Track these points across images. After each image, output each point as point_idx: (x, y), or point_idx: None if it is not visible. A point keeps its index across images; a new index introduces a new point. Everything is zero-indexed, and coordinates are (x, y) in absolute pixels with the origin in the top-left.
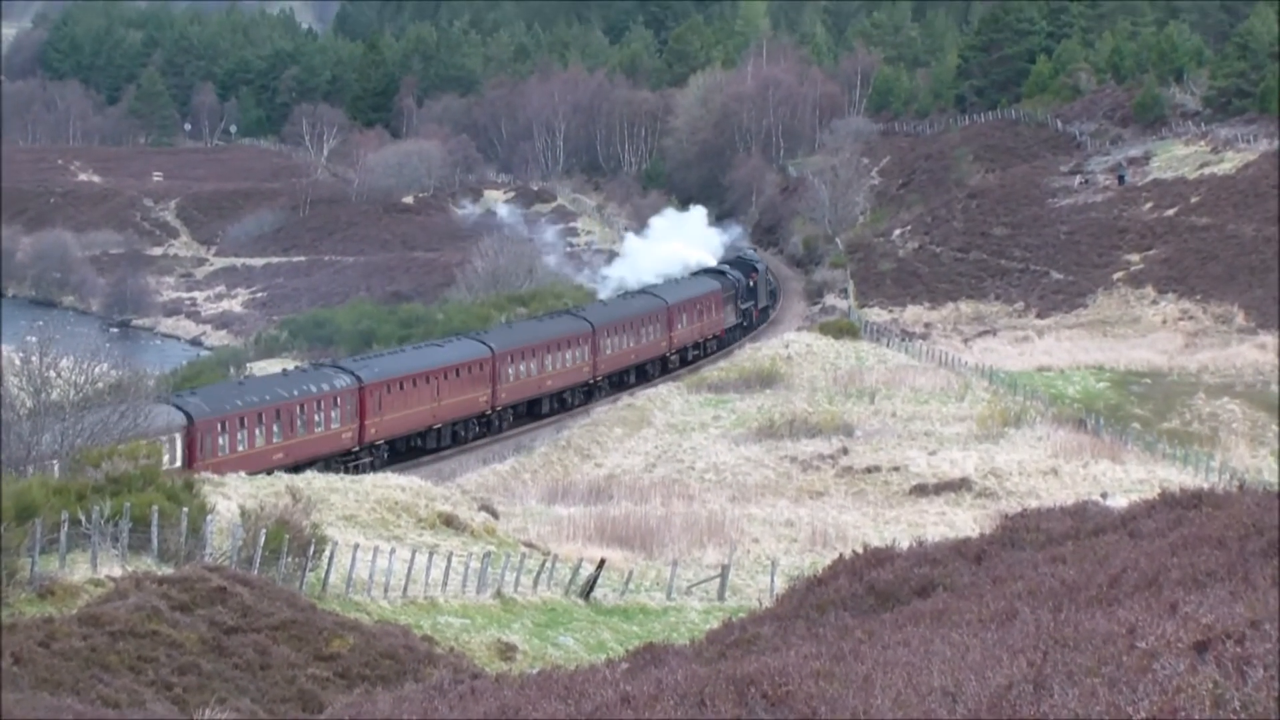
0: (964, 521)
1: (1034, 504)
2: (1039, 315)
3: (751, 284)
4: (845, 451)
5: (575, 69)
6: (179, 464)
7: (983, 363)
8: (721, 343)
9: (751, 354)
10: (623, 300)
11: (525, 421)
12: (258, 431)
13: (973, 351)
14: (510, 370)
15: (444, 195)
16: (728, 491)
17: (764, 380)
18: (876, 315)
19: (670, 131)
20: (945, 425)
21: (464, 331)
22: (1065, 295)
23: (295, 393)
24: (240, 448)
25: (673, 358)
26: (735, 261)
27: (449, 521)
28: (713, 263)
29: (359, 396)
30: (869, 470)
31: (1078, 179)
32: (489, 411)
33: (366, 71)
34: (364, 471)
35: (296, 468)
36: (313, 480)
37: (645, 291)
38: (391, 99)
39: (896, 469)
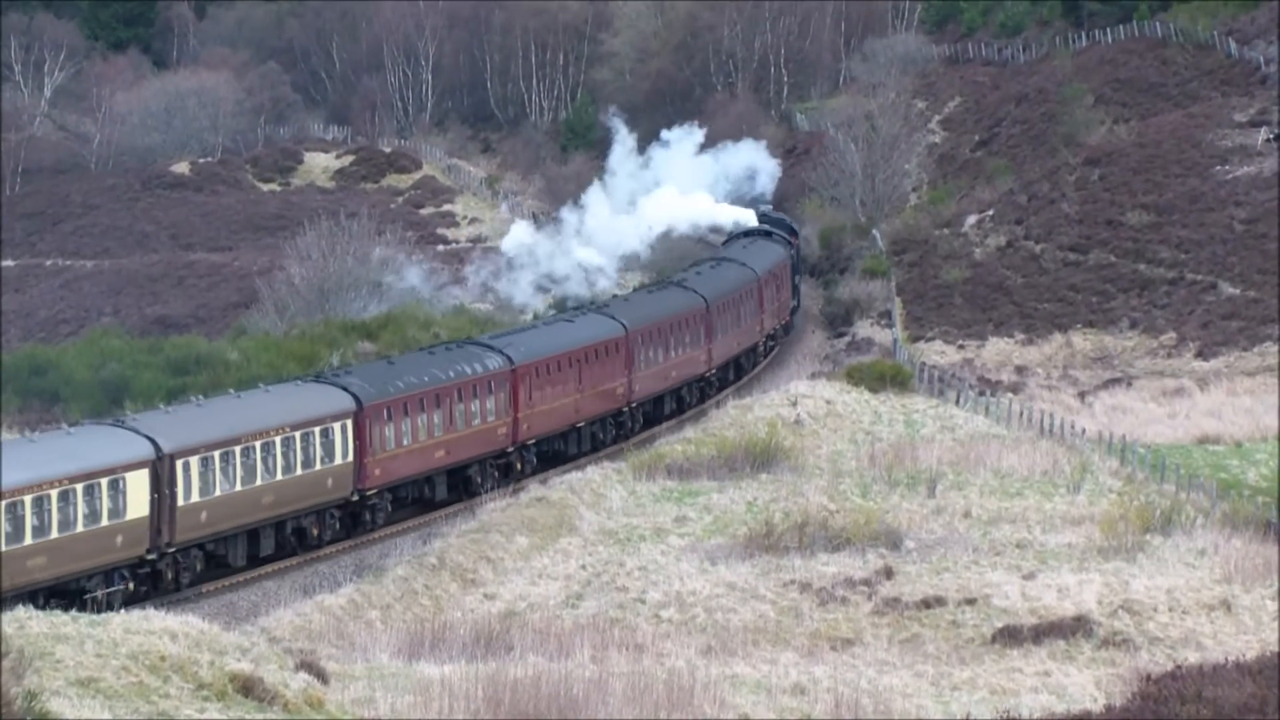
0: (1081, 686)
1: (1194, 658)
2: (1201, 354)
3: (795, 254)
4: (889, 574)
5: None
6: (350, 458)
7: (1110, 430)
8: (786, 330)
9: (737, 416)
10: (713, 269)
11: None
12: (420, 422)
13: (1094, 413)
14: (643, 355)
15: (239, 162)
16: (699, 638)
17: (757, 459)
18: (939, 354)
19: (606, 59)
20: (1050, 532)
21: (587, 303)
22: (1244, 322)
23: (451, 374)
24: (405, 441)
25: (759, 350)
26: (766, 220)
27: (248, 688)
28: (753, 220)
29: (512, 381)
30: (927, 605)
31: (1263, 133)
32: (624, 408)
33: None
34: (514, 479)
35: (454, 471)
36: (26, 621)
37: (725, 259)
38: (154, 7)
39: (971, 602)
